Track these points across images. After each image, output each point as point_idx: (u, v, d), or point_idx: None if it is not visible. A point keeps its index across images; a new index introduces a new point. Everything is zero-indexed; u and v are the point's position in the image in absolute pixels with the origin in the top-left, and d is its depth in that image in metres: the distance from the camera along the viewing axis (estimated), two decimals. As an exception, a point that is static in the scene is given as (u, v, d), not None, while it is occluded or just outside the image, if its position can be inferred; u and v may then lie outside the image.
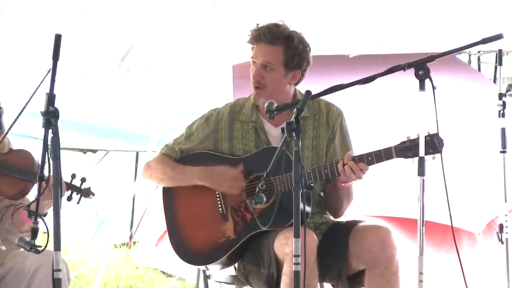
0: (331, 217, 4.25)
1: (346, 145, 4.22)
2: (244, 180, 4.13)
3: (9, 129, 3.78)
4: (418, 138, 3.65)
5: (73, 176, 4.09)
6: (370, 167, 3.93)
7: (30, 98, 3.33)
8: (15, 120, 3.54)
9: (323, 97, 4.14)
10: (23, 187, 3.99)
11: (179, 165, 4.25)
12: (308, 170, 3.99)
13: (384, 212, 6.23)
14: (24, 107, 3.40)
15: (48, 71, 3.14)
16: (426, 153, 3.69)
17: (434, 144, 3.76)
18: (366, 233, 3.97)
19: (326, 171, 3.97)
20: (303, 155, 4.11)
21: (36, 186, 3.64)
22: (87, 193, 4.12)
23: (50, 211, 3.90)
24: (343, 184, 4.04)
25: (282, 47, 4.07)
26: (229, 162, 4.20)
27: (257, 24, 4.14)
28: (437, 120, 3.62)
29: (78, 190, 4.10)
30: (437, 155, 3.76)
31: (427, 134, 3.74)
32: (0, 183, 3.97)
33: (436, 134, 3.76)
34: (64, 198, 3.99)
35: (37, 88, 3.28)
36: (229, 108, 4.28)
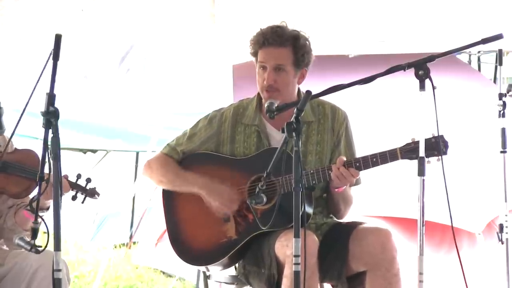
0: (334, 218, 4.24)
1: (351, 149, 4.21)
2: (240, 200, 4.10)
3: (13, 132, 3.77)
4: (424, 139, 3.64)
5: (79, 176, 4.10)
6: (370, 168, 3.92)
7: (29, 98, 3.32)
8: (18, 122, 3.53)
9: (328, 100, 4.14)
10: (28, 186, 4.00)
11: (181, 171, 4.23)
12: (312, 171, 3.98)
13: (384, 212, 6.22)
14: (25, 108, 3.39)
15: (43, 70, 3.14)
16: (430, 155, 3.69)
17: (438, 146, 3.75)
18: (367, 236, 3.96)
19: (330, 171, 3.96)
20: (306, 160, 4.10)
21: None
22: (92, 193, 4.14)
23: (50, 209, 3.90)
24: (335, 190, 4.03)
25: (291, 47, 4.07)
26: (230, 163, 4.19)
27: (260, 29, 4.12)
28: (437, 120, 3.62)
29: (83, 190, 4.11)
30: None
31: (431, 136, 3.74)
32: (5, 181, 3.98)
33: (442, 136, 3.76)
34: (69, 198, 4.01)
35: (34, 88, 3.28)
36: (233, 110, 4.26)
